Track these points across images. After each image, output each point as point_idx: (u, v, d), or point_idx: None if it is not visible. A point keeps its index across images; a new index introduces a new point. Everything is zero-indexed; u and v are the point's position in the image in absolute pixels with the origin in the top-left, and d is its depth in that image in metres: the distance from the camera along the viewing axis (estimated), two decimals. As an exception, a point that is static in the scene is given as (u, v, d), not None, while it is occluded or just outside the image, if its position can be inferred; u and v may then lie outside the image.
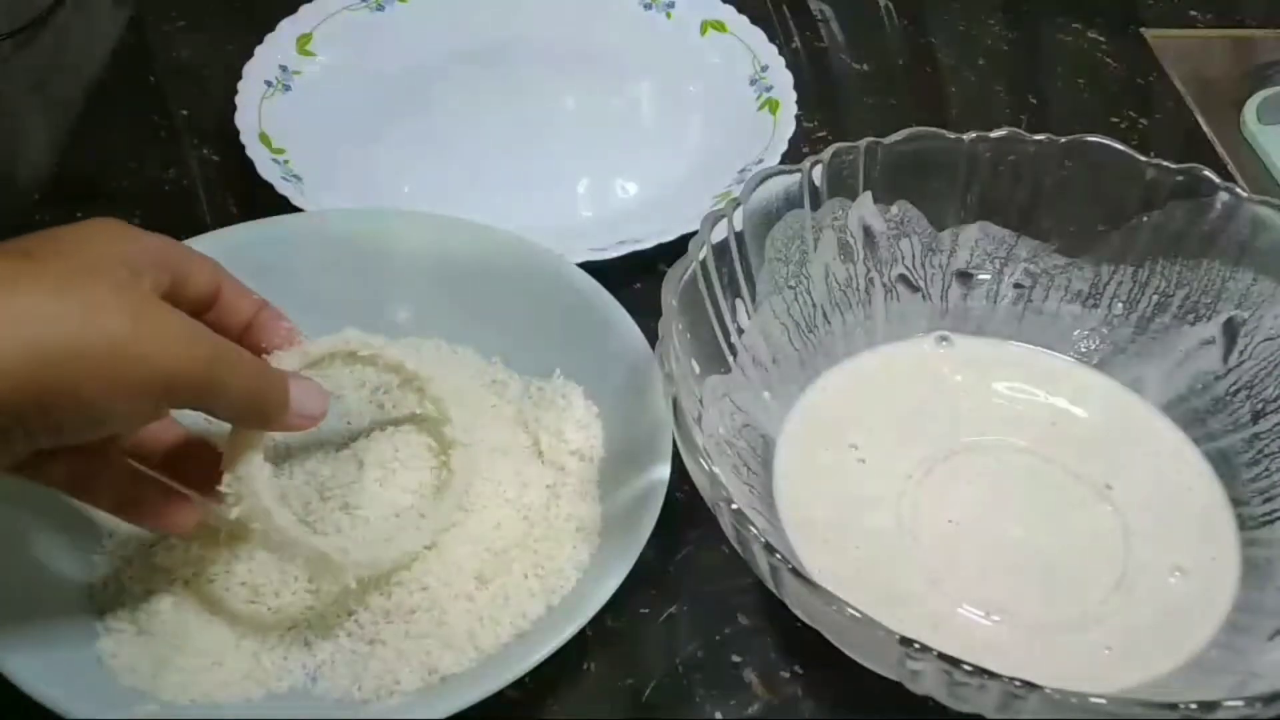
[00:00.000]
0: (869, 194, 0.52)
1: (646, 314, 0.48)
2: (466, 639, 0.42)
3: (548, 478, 0.48)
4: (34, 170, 0.66)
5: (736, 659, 0.46)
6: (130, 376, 0.34)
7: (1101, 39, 0.81)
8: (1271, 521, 0.48)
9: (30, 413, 0.33)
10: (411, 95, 0.71)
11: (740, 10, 0.74)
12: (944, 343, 0.55)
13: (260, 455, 0.40)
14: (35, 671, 0.38)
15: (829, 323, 0.53)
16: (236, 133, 0.63)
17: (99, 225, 0.38)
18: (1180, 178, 0.51)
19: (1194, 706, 0.35)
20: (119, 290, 0.35)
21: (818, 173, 0.51)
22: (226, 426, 0.40)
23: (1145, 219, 0.53)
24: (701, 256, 0.47)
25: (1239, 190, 0.51)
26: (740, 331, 0.50)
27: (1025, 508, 0.49)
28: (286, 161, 0.62)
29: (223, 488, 0.40)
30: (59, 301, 0.33)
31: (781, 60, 0.71)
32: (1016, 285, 0.55)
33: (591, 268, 0.53)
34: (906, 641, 0.36)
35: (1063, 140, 0.53)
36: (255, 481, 0.40)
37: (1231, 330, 0.51)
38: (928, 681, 0.38)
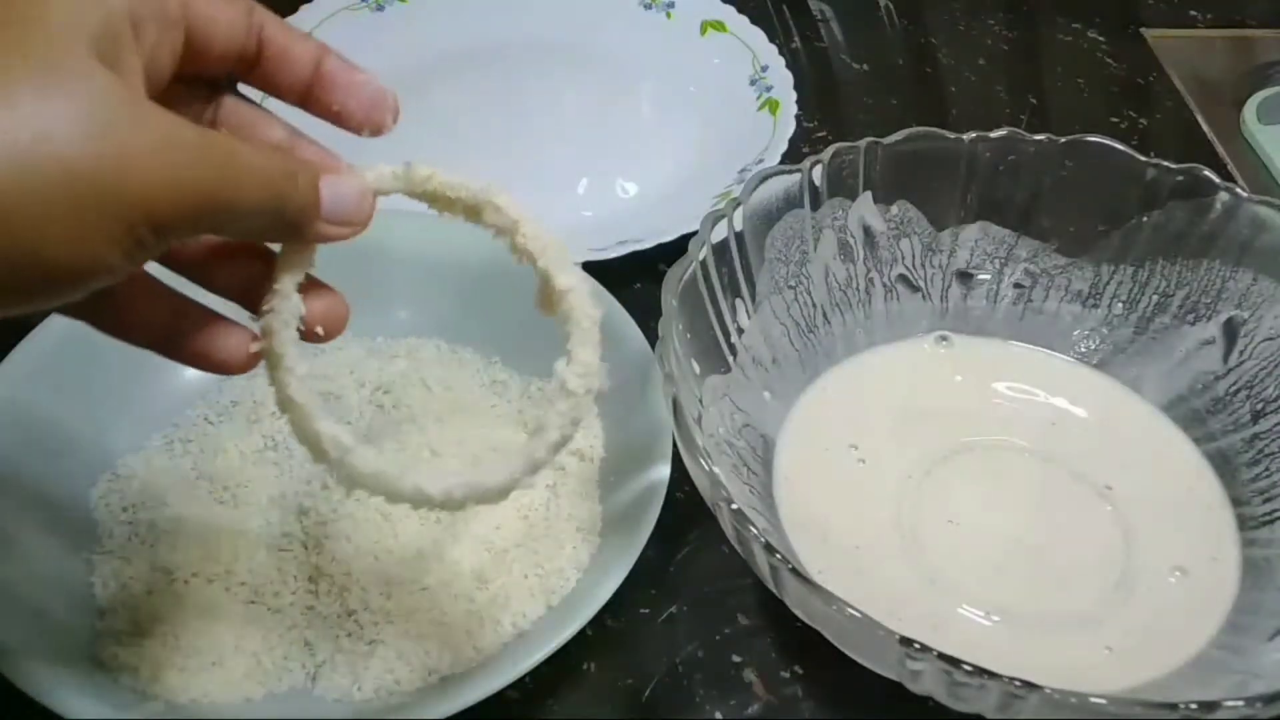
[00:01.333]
0: (869, 194, 0.52)
1: (646, 314, 0.48)
2: (466, 639, 0.42)
3: (548, 478, 0.48)
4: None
5: (736, 659, 0.46)
6: (97, 216, 0.25)
7: (1101, 39, 0.81)
8: (1271, 521, 0.48)
9: None
10: (411, 96, 0.70)
11: (740, 10, 0.74)
12: (944, 343, 0.55)
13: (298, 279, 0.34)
14: (35, 672, 0.38)
15: (829, 323, 0.53)
16: (236, 133, 0.63)
17: None
18: (1180, 178, 0.51)
19: (1194, 706, 0.35)
20: (79, 83, 0.25)
21: (818, 173, 0.51)
22: None
23: (1145, 219, 0.53)
24: (701, 256, 0.47)
25: (1239, 190, 0.51)
26: (740, 331, 0.50)
27: (1025, 508, 0.49)
28: (286, 161, 0.62)
29: (261, 311, 0.34)
30: None
31: (781, 60, 0.71)
32: (1016, 285, 0.55)
33: (591, 268, 0.53)
34: (906, 641, 0.36)
35: (1063, 140, 0.53)
36: (283, 312, 0.34)
37: (1231, 330, 0.51)
38: (928, 681, 0.38)
